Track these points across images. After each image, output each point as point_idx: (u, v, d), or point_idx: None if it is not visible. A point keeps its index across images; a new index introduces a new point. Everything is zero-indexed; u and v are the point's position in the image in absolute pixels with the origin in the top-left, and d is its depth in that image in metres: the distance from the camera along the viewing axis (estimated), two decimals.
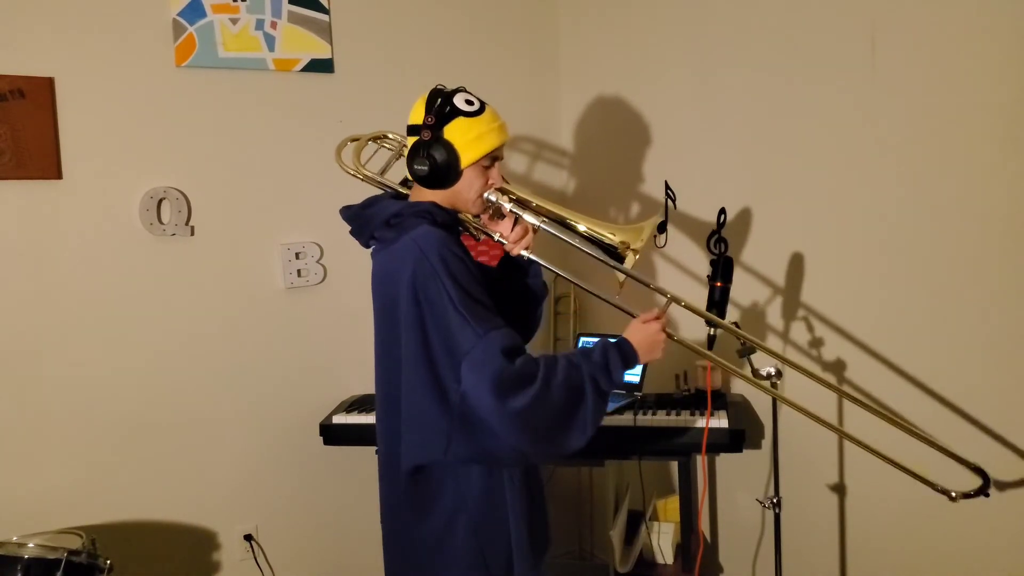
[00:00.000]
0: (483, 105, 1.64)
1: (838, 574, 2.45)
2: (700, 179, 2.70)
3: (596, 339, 2.75)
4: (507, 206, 1.67)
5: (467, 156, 1.60)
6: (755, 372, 2.08)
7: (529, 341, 1.86)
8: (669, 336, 1.66)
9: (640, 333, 1.62)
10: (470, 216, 1.70)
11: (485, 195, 1.65)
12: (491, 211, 1.70)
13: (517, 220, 1.69)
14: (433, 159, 1.60)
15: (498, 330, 1.48)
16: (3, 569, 1.84)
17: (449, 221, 1.65)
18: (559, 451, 1.55)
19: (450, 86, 1.68)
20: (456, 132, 1.60)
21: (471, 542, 1.61)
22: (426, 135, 1.61)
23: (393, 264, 1.58)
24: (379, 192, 1.82)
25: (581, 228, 1.72)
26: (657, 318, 1.65)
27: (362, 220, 1.70)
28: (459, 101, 1.61)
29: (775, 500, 2.16)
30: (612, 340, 1.60)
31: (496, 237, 1.68)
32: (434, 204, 1.65)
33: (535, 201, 1.72)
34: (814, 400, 2.42)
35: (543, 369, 1.48)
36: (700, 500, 2.64)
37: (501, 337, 1.47)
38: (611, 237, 1.71)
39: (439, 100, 1.62)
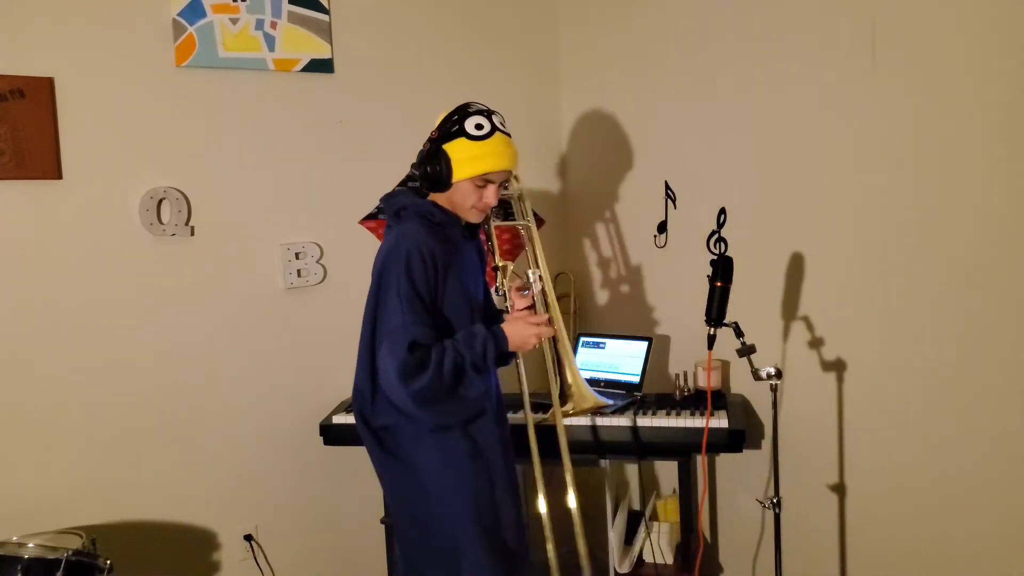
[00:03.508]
0: (493, 132, 1.84)
1: (838, 574, 2.45)
2: (700, 179, 2.70)
3: (596, 339, 2.77)
4: (536, 288, 1.94)
5: (459, 172, 1.84)
6: (755, 373, 2.08)
7: None
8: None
9: (518, 333, 1.90)
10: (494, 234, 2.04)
11: (529, 272, 1.95)
12: (520, 283, 1.97)
13: (533, 307, 1.96)
14: (426, 166, 1.87)
15: (417, 326, 1.78)
16: (3, 569, 1.84)
17: (447, 221, 1.90)
18: (448, 408, 1.89)
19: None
20: (456, 149, 1.84)
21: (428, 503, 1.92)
22: (426, 145, 1.89)
23: (383, 247, 1.91)
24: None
25: (564, 361, 2.02)
26: (539, 323, 1.91)
27: (386, 206, 1.98)
28: (469, 123, 1.84)
29: (775, 500, 2.16)
30: (494, 330, 1.88)
31: (507, 303, 1.98)
32: (435, 204, 1.91)
33: (556, 313, 2.00)
34: (814, 399, 2.42)
35: (435, 356, 1.79)
36: (700, 500, 2.64)
37: (416, 333, 1.78)
38: (567, 383, 2.02)
39: (454, 118, 1.87)
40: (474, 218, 1.93)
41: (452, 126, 1.86)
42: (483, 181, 1.86)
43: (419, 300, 1.81)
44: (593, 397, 2.03)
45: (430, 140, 1.89)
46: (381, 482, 2.02)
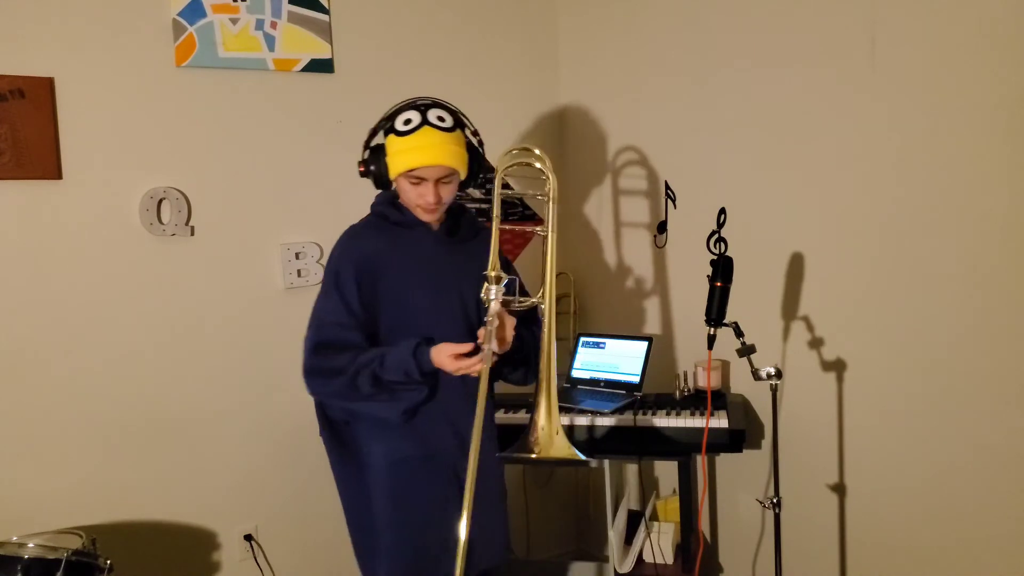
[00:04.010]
0: (421, 126, 1.77)
1: (838, 574, 2.45)
2: (700, 179, 2.70)
3: (596, 339, 2.76)
4: (493, 307, 1.75)
5: (391, 169, 1.82)
6: (755, 373, 2.08)
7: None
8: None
9: (441, 364, 1.78)
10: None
11: (492, 288, 1.75)
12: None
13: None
14: (364, 162, 1.86)
15: (331, 327, 1.81)
16: (3, 569, 1.84)
17: (404, 221, 1.90)
18: (374, 406, 1.87)
19: (436, 93, 1.88)
20: (388, 144, 1.82)
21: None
22: (366, 141, 1.87)
23: None
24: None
25: (540, 398, 1.77)
26: (458, 357, 1.75)
27: None
28: (400, 119, 1.79)
29: (775, 500, 2.16)
30: (419, 350, 1.79)
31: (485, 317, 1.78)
32: (393, 203, 1.91)
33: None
34: (814, 399, 2.42)
35: (353, 369, 1.78)
36: (700, 500, 2.64)
37: (327, 333, 1.82)
38: (538, 424, 1.75)
39: (388, 114, 1.83)
40: (424, 217, 1.88)
41: (386, 122, 1.82)
42: (416, 178, 1.80)
43: (340, 300, 1.81)
44: (564, 448, 1.74)
45: (368, 136, 1.86)
46: (335, 478, 2.01)
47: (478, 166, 1.90)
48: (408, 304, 1.87)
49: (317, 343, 1.82)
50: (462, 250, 1.95)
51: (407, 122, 1.77)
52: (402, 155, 1.77)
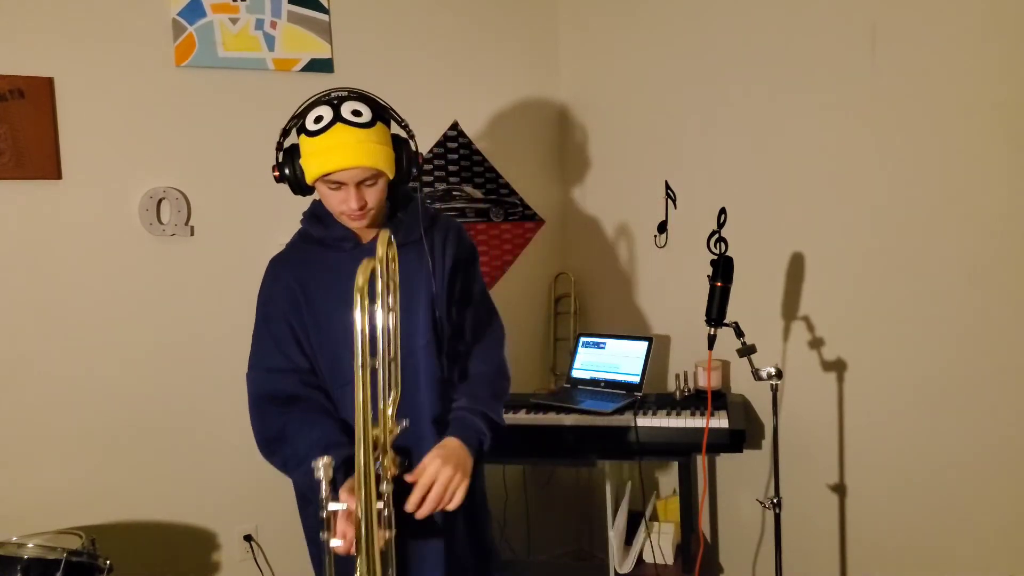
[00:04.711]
0: (332, 124, 1.52)
1: (838, 574, 2.45)
2: (700, 179, 2.70)
3: (596, 339, 2.76)
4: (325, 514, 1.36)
5: (307, 174, 1.57)
6: (755, 373, 2.08)
7: None
8: None
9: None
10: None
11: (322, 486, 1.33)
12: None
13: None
14: (278, 166, 1.64)
15: (257, 372, 1.63)
16: (3, 569, 1.84)
17: (327, 236, 1.67)
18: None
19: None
20: (302, 147, 1.58)
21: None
22: (278, 142, 1.65)
23: None
24: None
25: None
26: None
27: None
28: (310, 117, 1.55)
29: (775, 500, 2.16)
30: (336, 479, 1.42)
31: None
32: (314, 217, 1.70)
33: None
34: (814, 399, 2.42)
35: (290, 450, 1.56)
36: (700, 500, 2.64)
37: (260, 382, 1.62)
38: None
39: (299, 111, 1.59)
40: (351, 225, 1.63)
41: (295, 121, 1.59)
42: (335, 183, 1.55)
43: (269, 336, 1.63)
44: None
45: (281, 137, 1.64)
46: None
47: (408, 163, 1.63)
48: (339, 340, 1.59)
49: (255, 398, 1.62)
50: (410, 252, 1.65)
51: (318, 119, 1.52)
52: (314, 158, 1.53)
